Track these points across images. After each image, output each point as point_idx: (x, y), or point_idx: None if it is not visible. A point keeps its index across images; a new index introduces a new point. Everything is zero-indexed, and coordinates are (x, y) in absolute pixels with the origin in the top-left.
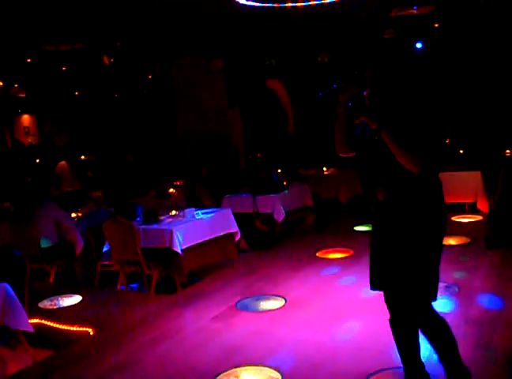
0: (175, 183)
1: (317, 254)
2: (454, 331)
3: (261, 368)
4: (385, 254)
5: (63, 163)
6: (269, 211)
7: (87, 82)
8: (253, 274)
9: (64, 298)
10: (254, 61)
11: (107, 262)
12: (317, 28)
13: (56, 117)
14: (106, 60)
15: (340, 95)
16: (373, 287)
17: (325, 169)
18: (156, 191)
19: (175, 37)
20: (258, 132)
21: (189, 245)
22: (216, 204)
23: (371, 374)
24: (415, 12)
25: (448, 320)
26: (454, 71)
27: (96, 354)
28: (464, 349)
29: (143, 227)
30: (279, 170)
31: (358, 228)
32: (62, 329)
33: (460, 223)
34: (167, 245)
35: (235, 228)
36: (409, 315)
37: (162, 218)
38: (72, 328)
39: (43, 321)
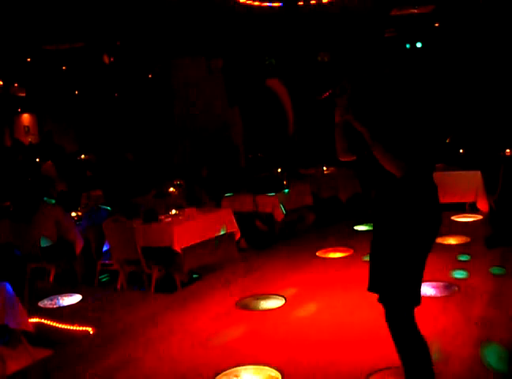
0: (175, 182)
1: (317, 253)
2: (454, 331)
3: (261, 367)
4: (377, 256)
5: (49, 163)
6: (268, 210)
7: (87, 81)
8: (253, 273)
9: (64, 298)
10: (253, 61)
11: (107, 261)
12: (317, 28)
13: (56, 116)
14: (106, 59)
15: (336, 99)
16: (368, 289)
17: (324, 168)
18: (156, 190)
19: (175, 37)
20: (258, 131)
21: (189, 244)
22: (216, 203)
23: (371, 374)
24: (415, 11)
25: (448, 320)
26: (454, 71)
27: (96, 354)
28: (464, 349)
29: (143, 226)
30: (279, 170)
31: (358, 227)
32: (61, 328)
33: (460, 222)
34: (167, 244)
35: (235, 227)
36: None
37: (162, 217)
38: (72, 328)
39: (42, 320)
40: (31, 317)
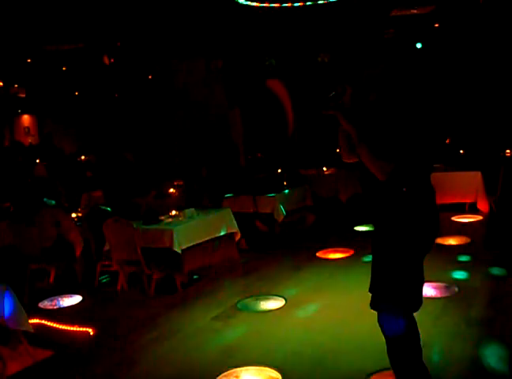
0: (175, 183)
1: (317, 254)
2: (454, 331)
3: (262, 368)
4: (374, 260)
5: (40, 165)
6: (269, 211)
7: (87, 82)
8: (253, 274)
9: (64, 298)
10: (254, 62)
11: (107, 262)
12: (317, 29)
13: (56, 117)
14: (106, 60)
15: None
16: (369, 290)
17: (325, 169)
18: (156, 191)
19: (175, 37)
20: (258, 132)
21: (189, 245)
22: (216, 204)
23: (371, 374)
24: (415, 12)
25: (448, 320)
26: (454, 71)
27: (96, 355)
28: (464, 349)
29: (143, 227)
30: (279, 170)
31: (358, 228)
32: (62, 329)
33: (460, 223)
34: (167, 245)
35: (235, 228)
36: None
37: (162, 218)
38: (72, 329)
39: (43, 321)
40: (31, 318)
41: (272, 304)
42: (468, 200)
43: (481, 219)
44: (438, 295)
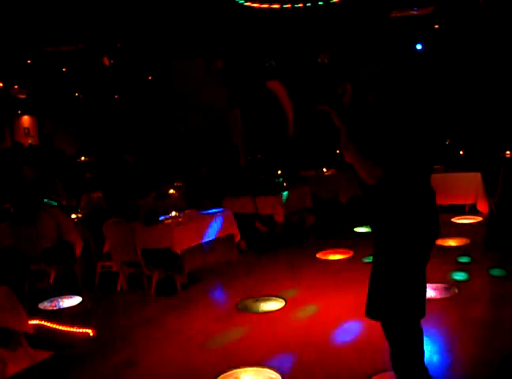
0: (175, 184)
1: (317, 255)
2: (454, 331)
3: (261, 369)
4: (374, 265)
5: (29, 169)
6: (268, 212)
7: (87, 83)
8: (253, 275)
9: (64, 299)
10: (254, 62)
11: (107, 263)
12: (317, 30)
13: (56, 118)
14: (106, 61)
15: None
16: (368, 298)
17: (325, 170)
18: (156, 192)
19: (175, 38)
20: (258, 133)
21: (189, 246)
22: (216, 204)
23: (371, 374)
24: (415, 13)
25: (448, 321)
26: (454, 72)
27: (96, 356)
28: (464, 350)
29: (143, 228)
30: (279, 172)
31: (358, 229)
32: (61, 330)
33: (460, 224)
34: (167, 246)
35: (234, 229)
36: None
37: (162, 219)
38: (72, 330)
39: (43, 322)
40: (31, 319)
41: (272, 305)
42: (467, 202)
43: (481, 220)
44: (438, 296)
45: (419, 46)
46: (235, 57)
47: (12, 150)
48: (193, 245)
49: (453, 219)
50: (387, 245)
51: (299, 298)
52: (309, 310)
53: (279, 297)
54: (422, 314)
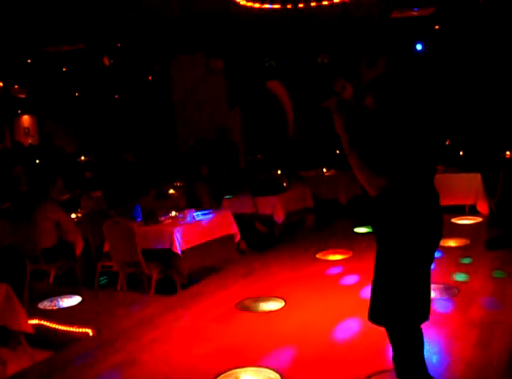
0: (175, 184)
1: (317, 255)
2: (454, 332)
3: (261, 369)
4: (376, 268)
5: (19, 167)
6: (268, 212)
7: (87, 83)
8: (253, 275)
9: (64, 299)
10: (254, 62)
11: (106, 263)
12: (317, 30)
13: (56, 118)
14: (106, 61)
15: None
16: (370, 303)
17: (325, 170)
18: (156, 192)
19: (175, 38)
20: (258, 133)
21: (189, 246)
22: (216, 204)
23: (371, 374)
24: (415, 14)
25: (448, 322)
26: (454, 72)
27: (96, 355)
28: (464, 350)
29: (143, 227)
30: (279, 172)
31: (358, 229)
32: (61, 330)
33: (460, 224)
34: (167, 246)
35: (234, 229)
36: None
37: (162, 219)
38: (71, 329)
39: (42, 322)
40: (30, 319)
41: (272, 305)
42: (467, 202)
43: (481, 220)
44: (438, 297)
45: (419, 47)
46: (235, 57)
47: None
48: (193, 245)
49: (453, 220)
50: (391, 248)
51: (298, 298)
52: (308, 310)
53: (278, 297)
54: (426, 318)
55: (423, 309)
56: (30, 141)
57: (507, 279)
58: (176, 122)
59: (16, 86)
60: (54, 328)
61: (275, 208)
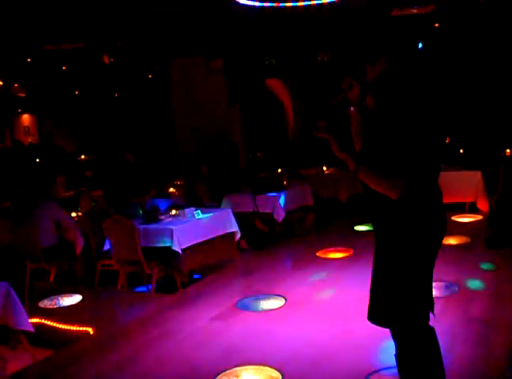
0: (175, 182)
1: (317, 254)
2: (454, 330)
3: (262, 367)
4: (376, 266)
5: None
6: (269, 210)
7: (87, 82)
8: (253, 274)
9: (64, 298)
10: (254, 61)
11: (107, 261)
12: (317, 28)
13: (56, 116)
14: (106, 59)
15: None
16: (370, 302)
17: (325, 169)
18: (157, 190)
19: (175, 36)
20: (258, 131)
21: (189, 244)
22: (217, 203)
23: (371, 374)
24: (415, 12)
25: (447, 319)
26: (454, 71)
27: (96, 354)
28: (464, 349)
29: (143, 226)
30: (279, 170)
31: (358, 228)
32: (62, 329)
33: (460, 222)
34: (168, 244)
35: (235, 228)
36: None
37: (162, 217)
38: (72, 328)
39: (43, 321)
40: (31, 318)
41: (273, 303)
42: (468, 200)
43: (481, 218)
44: (438, 295)
45: (419, 45)
46: (235, 55)
47: (12, 149)
48: (193, 243)
49: (453, 218)
50: (394, 247)
51: (299, 297)
52: (309, 309)
53: (279, 295)
54: (429, 317)
55: (426, 308)
56: (30, 140)
57: (507, 277)
58: (176, 122)
59: (16, 85)
60: (55, 327)
61: (275, 206)
